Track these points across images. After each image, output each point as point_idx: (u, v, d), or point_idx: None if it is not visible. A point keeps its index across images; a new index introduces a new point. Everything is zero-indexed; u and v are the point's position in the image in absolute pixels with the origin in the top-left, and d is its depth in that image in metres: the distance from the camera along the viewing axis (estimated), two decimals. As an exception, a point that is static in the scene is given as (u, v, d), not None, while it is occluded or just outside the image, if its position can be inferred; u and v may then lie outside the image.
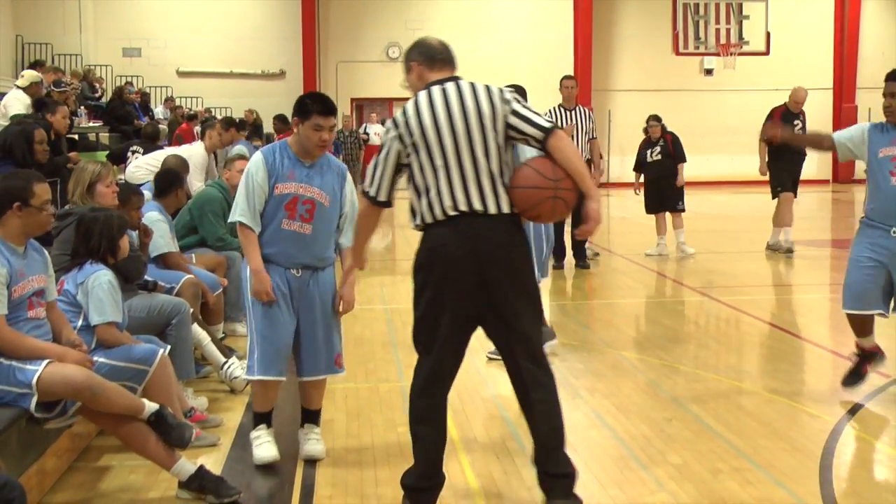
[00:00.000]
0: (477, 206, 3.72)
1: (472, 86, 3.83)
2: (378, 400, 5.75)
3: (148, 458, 4.16)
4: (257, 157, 4.60)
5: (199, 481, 4.13)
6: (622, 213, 19.33)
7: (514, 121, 3.76)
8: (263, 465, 4.62)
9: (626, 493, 4.25)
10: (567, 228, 10.95)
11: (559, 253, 10.92)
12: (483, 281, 3.73)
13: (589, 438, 5.01)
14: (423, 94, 3.85)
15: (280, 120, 14.93)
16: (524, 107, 3.82)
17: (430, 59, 3.94)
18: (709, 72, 26.00)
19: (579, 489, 4.30)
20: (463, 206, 3.73)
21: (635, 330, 7.73)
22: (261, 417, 4.75)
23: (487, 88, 3.82)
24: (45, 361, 3.98)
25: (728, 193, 22.70)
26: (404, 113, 3.84)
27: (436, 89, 3.84)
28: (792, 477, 4.40)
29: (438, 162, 3.76)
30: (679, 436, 5.00)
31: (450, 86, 3.84)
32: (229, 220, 4.74)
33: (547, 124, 3.76)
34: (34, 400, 3.94)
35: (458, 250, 3.72)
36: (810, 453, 4.71)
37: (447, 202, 3.74)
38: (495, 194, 3.74)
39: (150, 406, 4.12)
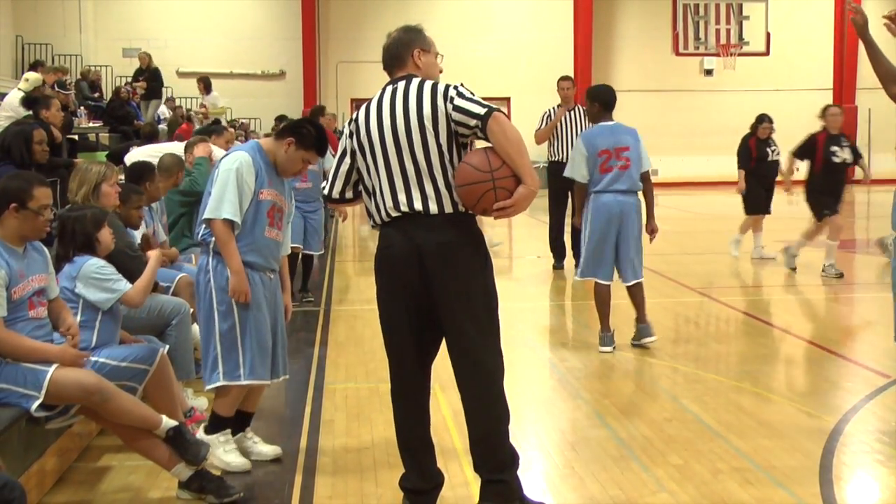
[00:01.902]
0: (417, 206, 3.73)
1: (420, 86, 3.79)
2: (378, 400, 5.74)
3: (149, 458, 4.16)
4: (244, 157, 4.41)
5: (200, 482, 4.13)
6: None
7: (457, 117, 3.70)
8: (263, 465, 4.61)
9: (626, 493, 4.25)
10: (567, 229, 10.96)
11: (559, 253, 10.92)
12: (428, 280, 3.75)
13: (589, 438, 5.01)
14: (376, 97, 3.91)
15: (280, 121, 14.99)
16: (466, 99, 3.70)
17: (386, 66, 4.00)
18: (709, 72, 26.04)
19: (580, 489, 4.31)
20: (404, 208, 3.75)
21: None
22: (227, 422, 4.60)
23: (434, 88, 3.76)
24: (55, 365, 3.99)
25: (728, 193, 22.64)
26: (357, 116, 3.92)
27: (387, 90, 3.87)
28: (792, 477, 4.39)
29: (381, 163, 3.79)
30: (679, 436, 5.00)
31: (399, 86, 3.84)
32: (211, 216, 4.36)
33: (482, 110, 3.66)
34: (38, 402, 3.94)
35: (402, 250, 3.76)
36: (810, 453, 4.71)
37: (390, 203, 3.77)
38: (437, 195, 3.72)
39: (168, 422, 4.11)
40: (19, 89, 11.22)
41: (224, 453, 4.53)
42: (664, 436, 5.00)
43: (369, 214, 3.93)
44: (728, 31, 25.87)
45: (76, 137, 12.54)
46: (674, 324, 8.18)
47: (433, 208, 3.72)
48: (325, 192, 4.04)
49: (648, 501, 4.16)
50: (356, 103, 25.94)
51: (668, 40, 25.69)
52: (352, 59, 24.54)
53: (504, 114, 3.73)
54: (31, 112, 9.16)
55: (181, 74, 23.92)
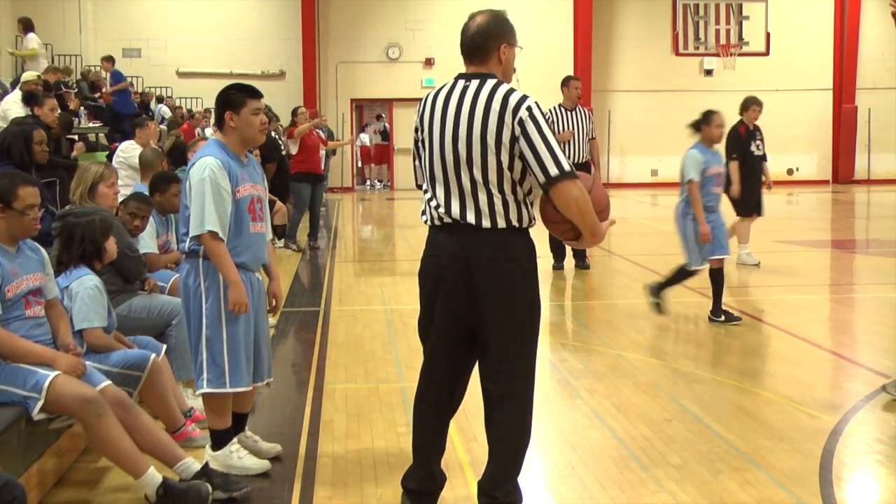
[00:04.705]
0: (470, 219, 3.58)
1: (491, 95, 3.53)
2: (378, 400, 5.75)
3: (153, 455, 4.15)
4: (211, 162, 4.28)
5: (206, 478, 4.13)
6: (622, 213, 19.32)
7: (523, 147, 3.48)
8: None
9: (626, 493, 4.25)
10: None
11: (559, 253, 10.93)
12: (473, 294, 3.62)
13: (589, 439, 5.01)
14: (443, 90, 3.68)
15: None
16: (541, 135, 3.46)
17: (465, 53, 3.70)
18: (709, 72, 26.01)
19: (580, 489, 4.32)
20: (457, 216, 3.61)
21: (635, 330, 7.72)
22: (227, 432, 4.54)
23: (504, 102, 3.50)
24: (57, 371, 3.99)
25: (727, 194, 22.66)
26: (424, 105, 3.72)
27: (458, 86, 3.63)
28: (792, 477, 4.40)
29: (438, 168, 3.64)
30: (679, 436, 5.00)
31: (472, 86, 3.59)
32: (197, 232, 4.26)
33: (554, 172, 3.44)
34: (39, 405, 3.94)
35: (450, 260, 3.64)
36: (810, 454, 4.71)
37: (443, 210, 3.64)
38: (491, 210, 3.56)
39: (153, 476, 4.01)
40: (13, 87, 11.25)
41: (239, 460, 4.50)
42: (664, 436, 5.01)
43: (423, 209, 3.78)
44: (728, 31, 25.86)
45: (76, 137, 12.54)
46: (674, 324, 8.18)
47: (486, 223, 3.57)
48: (419, 182, 3.86)
49: (648, 501, 4.17)
50: (356, 103, 25.94)
51: (668, 40, 25.69)
52: (352, 59, 24.53)
53: (577, 178, 3.50)
54: (28, 110, 9.17)
55: (181, 74, 23.93)
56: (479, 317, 3.64)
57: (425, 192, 3.75)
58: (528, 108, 3.48)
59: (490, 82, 3.58)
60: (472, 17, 3.72)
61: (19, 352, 4.00)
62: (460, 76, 3.68)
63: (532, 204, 3.66)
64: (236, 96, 4.40)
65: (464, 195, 3.59)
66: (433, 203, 3.68)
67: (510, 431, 3.72)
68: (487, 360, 3.71)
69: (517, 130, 3.48)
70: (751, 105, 10.87)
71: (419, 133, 3.76)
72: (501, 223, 3.58)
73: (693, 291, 9.53)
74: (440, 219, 3.66)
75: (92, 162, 6.01)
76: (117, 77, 17.09)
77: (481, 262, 3.59)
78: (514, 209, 3.59)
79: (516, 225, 3.60)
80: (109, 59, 17.70)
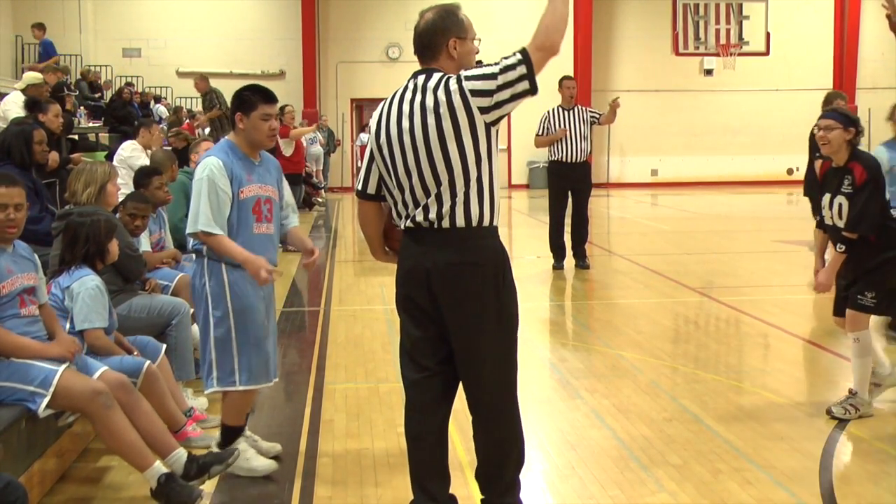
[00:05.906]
0: (431, 217, 3.46)
1: (437, 84, 3.44)
2: (378, 400, 5.75)
3: (146, 442, 4.15)
4: (213, 162, 4.31)
5: (196, 465, 4.18)
6: (622, 213, 19.33)
7: (495, 94, 3.36)
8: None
9: (626, 493, 4.25)
10: (567, 230, 10.98)
11: (559, 253, 10.93)
12: (436, 302, 3.50)
13: (589, 438, 5.01)
14: (397, 93, 3.60)
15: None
16: (489, 72, 3.37)
17: (417, 53, 3.63)
18: (709, 72, 26.03)
19: (580, 489, 4.32)
20: (420, 219, 3.49)
21: (635, 330, 7.72)
22: (238, 431, 4.57)
23: (447, 85, 3.41)
24: (64, 366, 4.00)
25: (728, 193, 22.71)
26: (380, 111, 3.65)
27: (409, 85, 3.55)
28: (792, 477, 4.40)
29: (401, 172, 3.53)
30: (679, 436, 5.01)
31: (419, 81, 3.51)
32: (191, 231, 4.32)
33: (519, 58, 3.33)
34: (45, 401, 3.95)
35: (414, 265, 3.54)
36: (810, 454, 4.71)
37: (402, 213, 3.57)
38: (452, 209, 3.44)
39: (159, 469, 4.05)
40: (15, 88, 11.21)
41: (246, 461, 4.50)
42: (664, 436, 5.01)
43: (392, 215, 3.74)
44: (728, 31, 25.83)
45: (76, 137, 12.55)
46: (674, 324, 8.18)
47: (445, 223, 3.45)
48: (359, 188, 3.81)
49: (648, 501, 4.17)
50: (356, 103, 25.95)
51: (668, 40, 25.67)
52: (352, 59, 24.53)
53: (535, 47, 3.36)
54: (30, 114, 9.16)
55: (181, 74, 23.91)
56: (449, 324, 3.52)
57: (388, 199, 3.67)
58: (466, 77, 3.40)
59: (436, 75, 3.49)
60: (421, 14, 3.60)
61: (11, 346, 4.00)
62: (412, 77, 3.60)
63: (493, 200, 3.52)
64: (249, 98, 4.40)
65: (427, 195, 3.48)
66: (394, 210, 3.63)
67: (494, 443, 3.67)
68: (461, 371, 3.62)
69: (476, 101, 3.38)
70: (834, 100, 10.31)
71: (375, 138, 3.63)
72: (460, 222, 3.45)
73: (693, 291, 9.53)
74: (403, 224, 3.58)
75: (96, 161, 6.00)
76: (47, 48, 16.42)
77: (439, 268, 3.47)
78: (476, 207, 3.45)
79: (475, 224, 3.46)
80: (40, 27, 16.83)
